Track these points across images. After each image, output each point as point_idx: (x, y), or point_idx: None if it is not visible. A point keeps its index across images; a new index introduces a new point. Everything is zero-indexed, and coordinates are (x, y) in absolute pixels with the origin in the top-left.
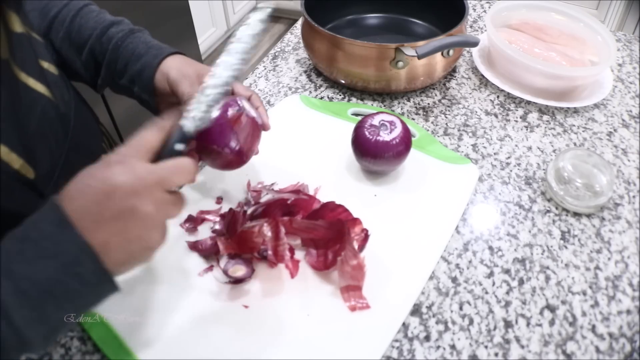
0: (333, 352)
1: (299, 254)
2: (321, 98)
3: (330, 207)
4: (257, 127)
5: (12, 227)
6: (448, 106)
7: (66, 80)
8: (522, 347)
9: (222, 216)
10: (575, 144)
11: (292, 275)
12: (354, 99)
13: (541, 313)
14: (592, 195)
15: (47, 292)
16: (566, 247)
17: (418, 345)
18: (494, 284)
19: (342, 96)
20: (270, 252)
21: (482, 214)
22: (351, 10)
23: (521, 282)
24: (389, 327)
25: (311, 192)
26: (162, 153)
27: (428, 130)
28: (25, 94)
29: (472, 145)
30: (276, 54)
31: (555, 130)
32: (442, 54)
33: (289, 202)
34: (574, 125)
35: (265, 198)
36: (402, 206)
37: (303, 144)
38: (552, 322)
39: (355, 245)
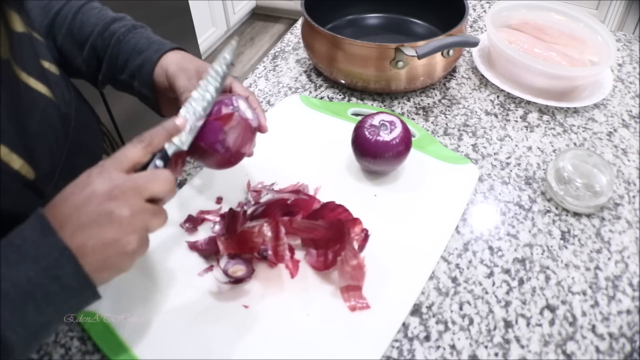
0: (333, 352)
1: (299, 254)
2: (321, 98)
3: (330, 207)
4: (250, 129)
5: (12, 227)
6: (448, 106)
7: (67, 80)
8: (522, 347)
9: (222, 216)
10: (575, 144)
11: (292, 275)
12: (354, 99)
13: (541, 313)
14: (592, 195)
15: (28, 295)
16: (566, 247)
17: (418, 345)
18: (494, 284)
19: (342, 96)
20: (270, 252)
21: (482, 214)
22: (351, 10)
23: (521, 282)
24: (389, 327)
25: (311, 192)
26: (144, 168)
27: (428, 130)
28: (25, 94)
29: (472, 145)
30: (276, 54)
31: (555, 130)
32: (442, 54)
33: (289, 202)
34: (574, 125)
35: (265, 198)
36: (402, 206)
37: (303, 144)
38: (552, 322)
39: (355, 245)
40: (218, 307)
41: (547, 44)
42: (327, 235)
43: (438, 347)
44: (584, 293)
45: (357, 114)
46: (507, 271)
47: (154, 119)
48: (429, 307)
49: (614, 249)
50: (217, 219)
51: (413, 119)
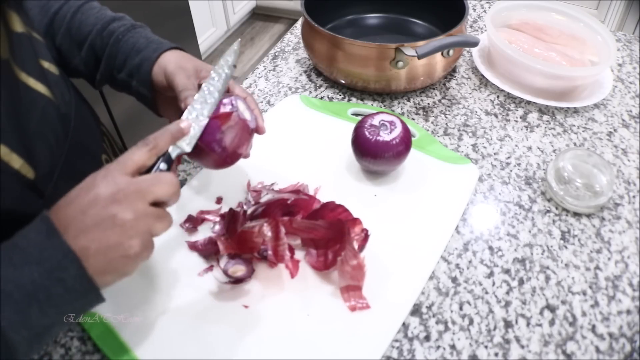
0: (333, 352)
1: (299, 254)
2: (321, 98)
3: (330, 207)
4: (248, 130)
5: (12, 227)
6: (448, 106)
7: (67, 80)
8: (522, 347)
9: (222, 216)
10: (575, 144)
11: (292, 275)
12: (354, 99)
13: (541, 313)
14: (592, 195)
15: (31, 296)
16: (566, 247)
17: (418, 345)
18: (494, 284)
19: (342, 96)
20: (270, 252)
21: (482, 214)
22: (351, 10)
23: (521, 282)
24: (389, 327)
25: (311, 192)
26: (149, 171)
27: (428, 130)
28: (25, 94)
29: (472, 145)
30: (276, 54)
31: (555, 130)
32: (442, 54)
33: (289, 202)
34: (574, 125)
35: (265, 198)
36: (402, 206)
37: (303, 144)
38: (552, 322)
39: (355, 245)
40: (218, 307)
41: (547, 44)
42: (327, 235)
43: (438, 347)
44: (584, 293)
45: (357, 114)
46: (507, 271)
47: (154, 119)
48: (429, 307)
49: (614, 249)
50: (217, 219)
51: (413, 119)
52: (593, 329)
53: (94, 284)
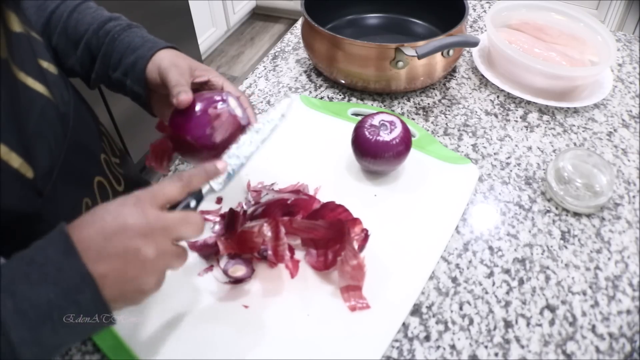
0: (333, 352)
1: (299, 254)
2: (321, 98)
3: (330, 207)
4: (239, 127)
5: (11, 227)
6: (448, 106)
7: (66, 80)
8: (522, 347)
9: (222, 216)
10: (575, 144)
11: (292, 275)
12: (354, 99)
13: (541, 313)
14: (592, 195)
15: (46, 316)
16: (566, 247)
17: (418, 345)
18: (494, 284)
19: (342, 96)
20: (270, 252)
21: (482, 214)
22: (351, 10)
23: (521, 282)
24: (389, 327)
25: (311, 192)
26: (177, 206)
27: (428, 130)
28: (24, 94)
29: (472, 145)
30: (276, 54)
31: (555, 130)
32: (442, 54)
33: (289, 202)
34: (574, 125)
35: (265, 198)
36: (402, 206)
37: (303, 144)
38: (552, 322)
39: (355, 245)
40: (218, 307)
41: (547, 44)
42: (327, 235)
43: (438, 347)
44: (584, 293)
45: (357, 114)
46: (507, 271)
47: (154, 119)
48: (429, 307)
49: (614, 249)
50: (217, 219)
51: (413, 119)
52: (593, 329)
53: (108, 309)
